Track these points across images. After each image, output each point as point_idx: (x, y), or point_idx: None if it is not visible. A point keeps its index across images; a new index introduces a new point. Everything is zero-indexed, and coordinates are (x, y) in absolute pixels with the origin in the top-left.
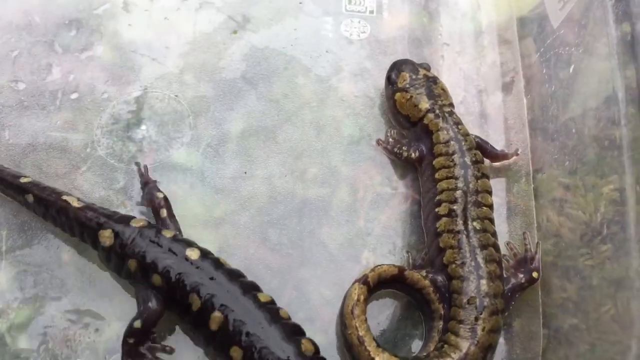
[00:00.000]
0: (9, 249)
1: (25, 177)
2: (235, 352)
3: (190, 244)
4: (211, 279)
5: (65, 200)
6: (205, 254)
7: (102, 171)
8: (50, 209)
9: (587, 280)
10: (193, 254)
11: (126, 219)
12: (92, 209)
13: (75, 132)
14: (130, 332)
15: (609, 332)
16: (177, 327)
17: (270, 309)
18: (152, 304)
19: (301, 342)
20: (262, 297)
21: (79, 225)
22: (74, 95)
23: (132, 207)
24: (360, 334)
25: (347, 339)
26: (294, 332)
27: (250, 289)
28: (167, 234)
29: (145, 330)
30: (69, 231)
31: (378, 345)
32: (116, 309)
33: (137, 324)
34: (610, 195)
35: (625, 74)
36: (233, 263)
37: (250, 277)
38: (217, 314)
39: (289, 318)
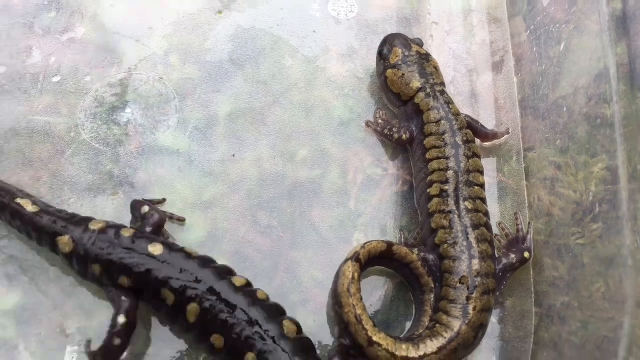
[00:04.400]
0: None
1: None
2: (217, 340)
3: (152, 239)
4: (181, 271)
5: (18, 204)
6: (169, 247)
7: (87, 155)
8: (4, 212)
9: (579, 258)
10: (156, 249)
11: (84, 221)
12: (48, 213)
13: (58, 116)
14: (113, 334)
15: (601, 309)
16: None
17: (248, 292)
18: (125, 300)
19: (283, 324)
20: (237, 281)
21: (35, 231)
22: (55, 79)
23: (118, 189)
24: (358, 312)
25: (344, 318)
26: (275, 313)
27: (224, 274)
28: (126, 232)
29: (130, 326)
30: (25, 235)
31: (374, 325)
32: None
33: (121, 319)
34: (601, 173)
35: (616, 50)
36: (223, 246)
37: (240, 261)
38: (193, 306)
39: (268, 299)
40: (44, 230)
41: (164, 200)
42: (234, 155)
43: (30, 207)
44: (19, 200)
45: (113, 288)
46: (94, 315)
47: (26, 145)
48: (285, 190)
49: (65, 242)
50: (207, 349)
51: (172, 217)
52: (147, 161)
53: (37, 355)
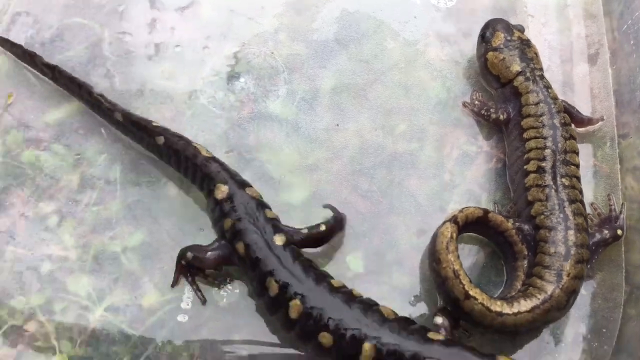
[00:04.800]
0: (122, 182)
1: (155, 122)
2: (325, 337)
3: (280, 229)
4: (288, 268)
5: (196, 148)
6: (289, 242)
7: (205, 117)
8: (179, 154)
9: None
10: (279, 240)
11: (243, 184)
12: (218, 162)
13: (179, 82)
14: (182, 256)
15: None
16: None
17: (345, 292)
18: (220, 252)
19: (381, 311)
20: (335, 283)
21: (202, 173)
22: (177, 49)
23: (232, 148)
24: (455, 267)
25: (441, 273)
26: (371, 304)
27: (323, 277)
28: (269, 214)
29: (198, 263)
30: (189, 176)
31: (470, 281)
32: None
33: (190, 255)
34: None
35: None
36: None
37: None
38: (296, 302)
39: (361, 295)
40: (211, 175)
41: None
42: (337, 125)
43: (204, 152)
44: (195, 145)
45: (228, 245)
46: None
47: (151, 105)
48: (384, 159)
49: (222, 190)
50: (314, 348)
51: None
52: (258, 125)
53: (159, 286)
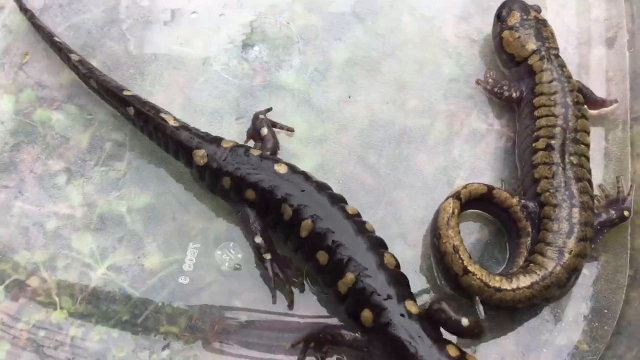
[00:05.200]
0: (131, 144)
1: (128, 90)
2: (322, 255)
3: (277, 160)
4: (301, 190)
5: (163, 118)
6: (292, 168)
7: (217, 84)
8: (148, 124)
9: None
10: (281, 168)
11: (217, 140)
12: (187, 129)
13: (193, 48)
14: (258, 249)
15: None
16: None
17: (357, 221)
18: (253, 218)
19: (384, 255)
20: (350, 210)
21: (174, 143)
22: (193, 16)
23: (242, 115)
24: (455, 243)
25: (441, 248)
26: (378, 245)
27: (338, 200)
28: (255, 152)
29: (268, 241)
30: (163, 147)
31: (470, 257)
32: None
33: (258, 239)
34: None
35: None
36: (332, 177)
37: (347, 192)
38: (307, 222)
39: (373, 231)
40: (182, 143)
41: (292, 129)
42: (349, 97)
43: (172, 122)
44: (163, 115)
45: (240, 203)
46: (214, 221)
47: (164, 69)
48: (394, 133)
49: (200, 155)
50: (312, 265)
51: (282, 128)
52: (270, 94)
53: (162, 248)
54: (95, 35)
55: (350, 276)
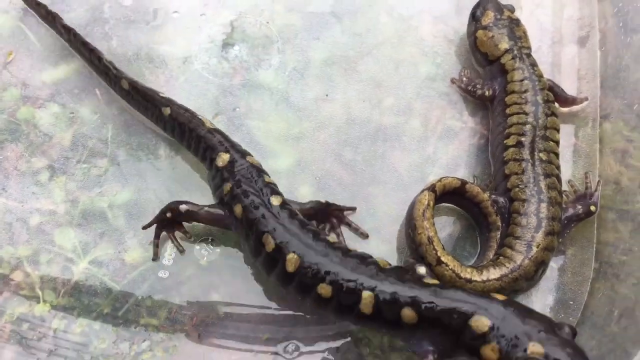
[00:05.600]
0: (113, 142)
1: (162, 93)
2: (323, 289)
3: (277, 192)
4: (285, 226)
5: (200, 120)
6: (284, 203)
7: (197, 82)
8: (183, 126)
9: None
10: (276, 200)
11: (244, 153)
12: (221, 133)
13: (174, 47)
14: (170, 208)
15: None
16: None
17: (341, 247)
18: (216, 211)
19: (377, 261)
20: (332, 239)
21: (205, 143)
22: (175, 15)
23: (221, 113)
24: (430, 234)
25: (416, 239)
26: (366, 257)
27: (320, 233)
28: (266, 178)
29: (189, 218)
30: (192, 147)
31: (443, 248)
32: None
33: (184, 207)
34: None
35: None
36: (310, 174)
37: (324, 188)
38: (292, 256)
39: (356, 250)
40: (214, 145)
41: (354, 209)
42: (327, 95)
43: (208, 124)
44: (200, 117)
45: (225, 209)
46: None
47: (146, 68)
48: (370, 131)
49: (224, 158)
50: (314, 300)
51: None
52: (249, 93)
53: (143, 243)
54: None
55: (367, 294)
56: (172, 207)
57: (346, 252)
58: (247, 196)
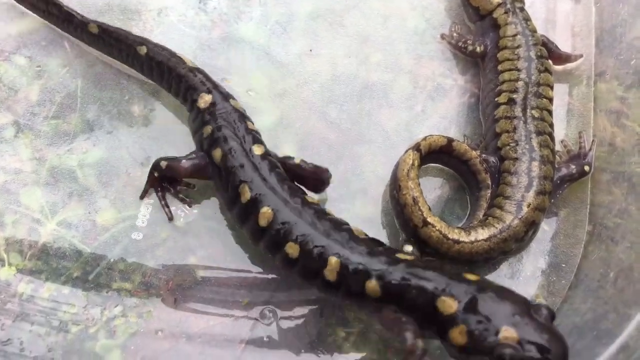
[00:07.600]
0: (83, 97)
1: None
2: (291, 247)
3: (260, 141)
4: (264, 179)
5: (180, 58)
6: (267, 153)
7: (173, 35)
8: (162, 65)
9: (637, 187)
10: (258, 150)
11: (228, 96)
12: (202, 73)
13: None
14: (156, 166)
15: None
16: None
17: (317, 208)
18: (196, 160)
19: (352, 229)
20: (309, 199)
21: (186, 83)
22: None
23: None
24: (415, 194)
25: (400, 200)
26: (342, 223)
27: (298, 191)
28: (250, 125)
29: (171, 172)
30: (173, 87)
31: (429, 209)
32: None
33: (163, 163)
34: None
35: None
36: (293, 132)
37: (308, 148)
38: (266, 210)
39: (333, 214)
40: (195, 85)
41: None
42: (311, 50)
43: (189, 63)
44: (179, 54)
45: (204, 153)
46: None
47: (119, 20)
48: (356, 88)
49: (206, 99)
50: (282, 259)
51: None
52: (229, 47)
53: (115, 203)
54: None
55: (333, 260)
56: (156, 164)
57: (322, 215)
58: (228, 142)
